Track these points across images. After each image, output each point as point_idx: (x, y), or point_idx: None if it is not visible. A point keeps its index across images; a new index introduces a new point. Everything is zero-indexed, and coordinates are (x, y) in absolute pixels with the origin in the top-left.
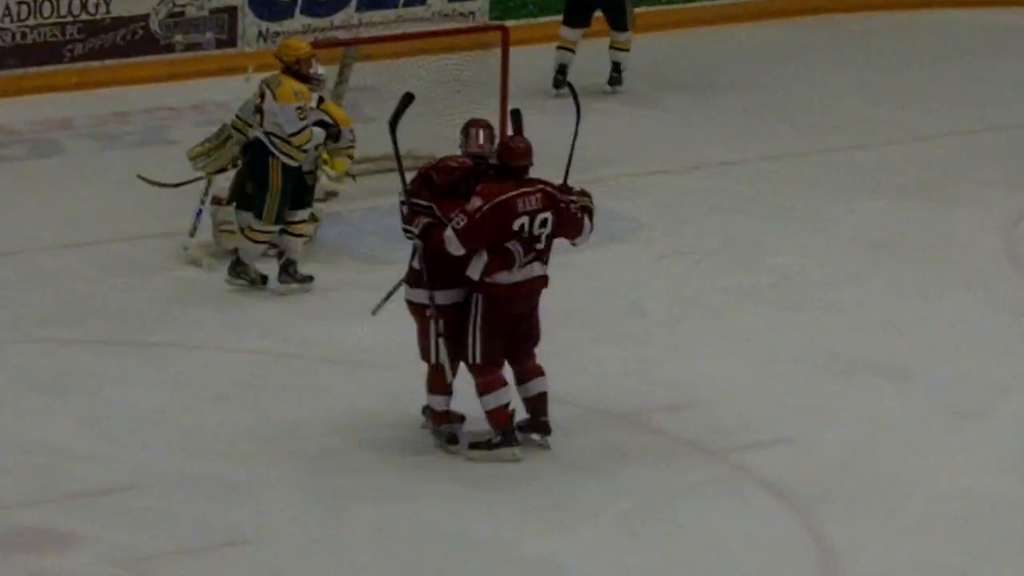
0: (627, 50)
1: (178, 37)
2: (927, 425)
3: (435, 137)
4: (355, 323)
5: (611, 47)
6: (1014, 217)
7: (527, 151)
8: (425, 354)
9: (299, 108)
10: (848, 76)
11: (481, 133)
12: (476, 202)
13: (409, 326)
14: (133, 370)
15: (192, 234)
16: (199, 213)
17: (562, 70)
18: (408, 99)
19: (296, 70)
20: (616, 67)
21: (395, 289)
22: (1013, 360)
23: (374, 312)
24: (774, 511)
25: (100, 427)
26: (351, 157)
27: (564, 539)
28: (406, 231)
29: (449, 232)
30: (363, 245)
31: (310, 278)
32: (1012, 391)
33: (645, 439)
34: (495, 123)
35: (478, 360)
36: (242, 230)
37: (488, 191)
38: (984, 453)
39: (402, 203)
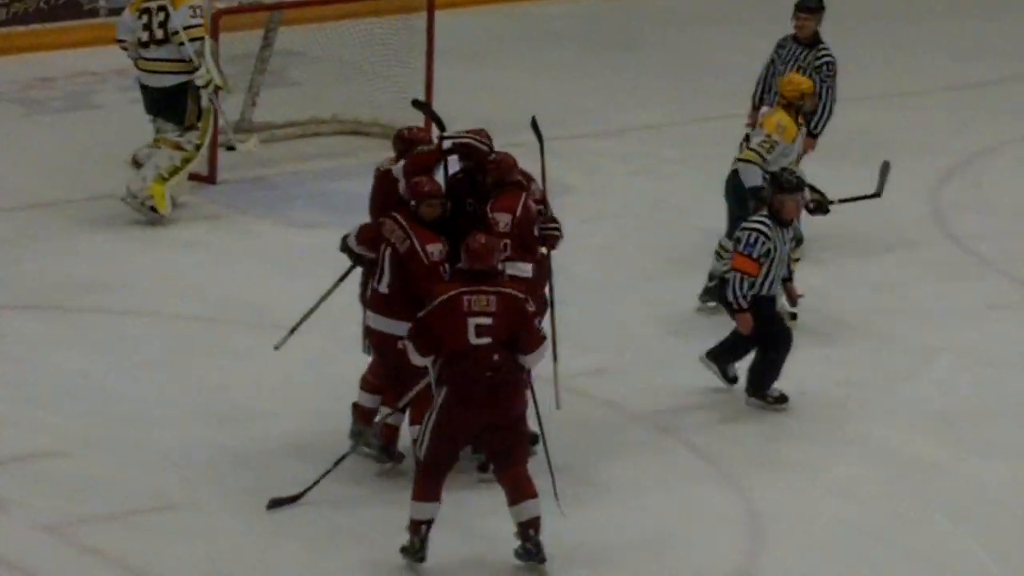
0: None
1: (102, 2)
2: (854, 388)
3: (361, 102)
4: (281, 288)
5: None
6: (939, 181)
7: (515, 164)
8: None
9: (768, 138)
10: (773, 39)
11: (425, 179)
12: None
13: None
14: (59, 335)
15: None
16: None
17: None
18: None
19: (799, 105)
20: None
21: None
22: (940, 323)
23: (277, 347)
24: (701, 473)
25: (25, 392)
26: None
27: (491, 507)
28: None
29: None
30: (290, 208)
31: None
32: (939, 354)
33: (570, 402)
34: (421, 87)
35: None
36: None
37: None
38: (911, 416)
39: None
